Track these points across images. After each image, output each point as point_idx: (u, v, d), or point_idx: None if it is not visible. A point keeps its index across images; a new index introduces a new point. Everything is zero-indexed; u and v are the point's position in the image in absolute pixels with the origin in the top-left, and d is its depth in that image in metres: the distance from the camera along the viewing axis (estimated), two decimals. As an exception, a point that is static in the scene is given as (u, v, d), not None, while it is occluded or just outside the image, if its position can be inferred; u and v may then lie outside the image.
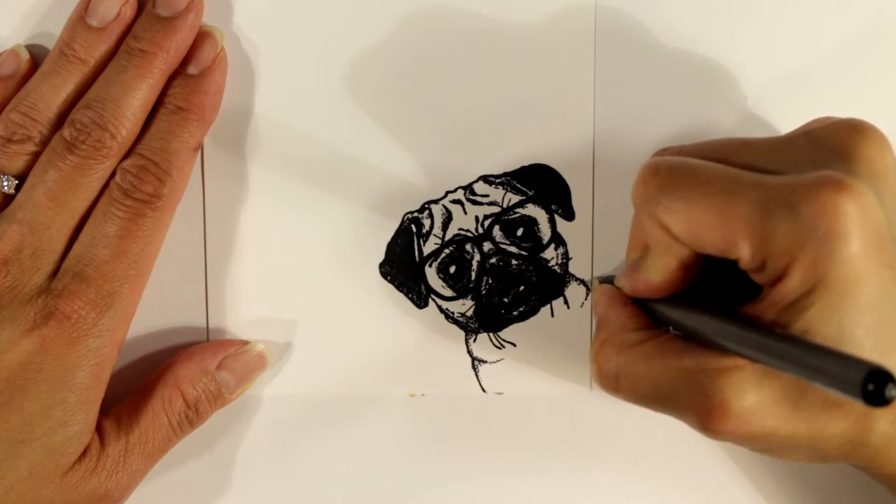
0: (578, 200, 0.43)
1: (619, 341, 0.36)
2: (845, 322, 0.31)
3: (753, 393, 0.32)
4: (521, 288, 0.43)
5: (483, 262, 0.43)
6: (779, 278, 0.32)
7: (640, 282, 0.36)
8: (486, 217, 0.43)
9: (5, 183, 0.39)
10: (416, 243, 0.43)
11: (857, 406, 0.32)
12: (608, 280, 0.40)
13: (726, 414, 0.32)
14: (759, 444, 0.34)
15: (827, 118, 0.36)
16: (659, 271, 0.35)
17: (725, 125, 0.42)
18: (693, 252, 0.34)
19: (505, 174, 0.42)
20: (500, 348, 0.43)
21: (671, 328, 0.36)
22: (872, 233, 0.31)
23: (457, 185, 0.43)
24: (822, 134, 0.34)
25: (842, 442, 0.33)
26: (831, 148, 0.34)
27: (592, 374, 0.37)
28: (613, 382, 0.36)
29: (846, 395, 0.27)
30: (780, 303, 0.32)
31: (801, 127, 0.37)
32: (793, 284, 0.31)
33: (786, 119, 0.42)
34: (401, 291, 0.43)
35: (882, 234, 0.32)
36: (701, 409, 0.33)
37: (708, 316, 0.34)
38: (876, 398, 0.27)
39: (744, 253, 0.32)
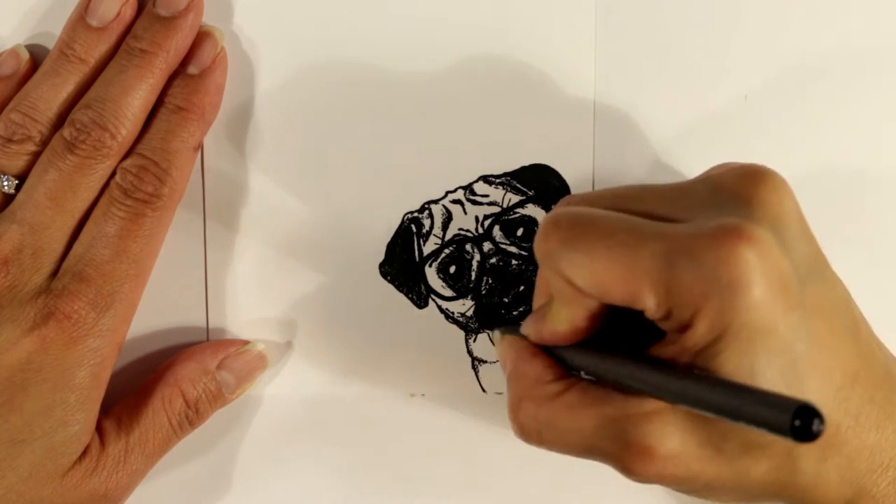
0: (578, 200, 0.43)
1: (537, 395, 0.35)
2: (756, 366, 0.31)
3: (677, 436, 0.32)
4: (521, 288, 0.43)
5: (483, 262, 0.43)
6: (686, 327, 0.32)
7: (546, 331, 0.36)
8: (486, 217, 0.43)
9: (5, 183, 0.39)
10: (416, 243, 0.43)
11: (780, 447, 0.32)
12: (510, 329, 0.39)
13: (651, 458, 0.32)
14: (685, 485, 0.34)
15: (726, 164, 0.37)
16: (565, 321, 0.35)
17: (726, 124, 0.42)
18: (598, 302, 0.34)
19: (505, 174, 0.42)
20: (500, 348, 0.43)
21: (583, 374, 0.36)
22: (776, 277, 0.31)
23: (457, 185, 0.43)
24: (720, 180, 0.35)
25: (767, 482, 0.33)
26: (730, 193, 0.34)
27: (514, 430, 0.36)
28: (537, 437, 0.35)
29: (773, 433, 0.27)
30: (690, 350, 0.32)
31: (702, 174, 0.37)
32: (699, 333, 0.31)
33: (785, 118, 0.42)
34: (401, 291, 0.43)
35: (786, 276, 0.32)
36: (625, 455, 0.33)
37: (622, 361, 0.33)
38: (803, 434, 0.27)
39: (649, 304, 0.32)
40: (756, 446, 0.32)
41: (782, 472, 0.33)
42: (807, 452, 0.33)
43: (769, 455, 0.32)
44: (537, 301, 0.38)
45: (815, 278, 0.33)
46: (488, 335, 0.43)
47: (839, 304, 0.34)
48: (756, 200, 0.33)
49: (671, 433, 0.32)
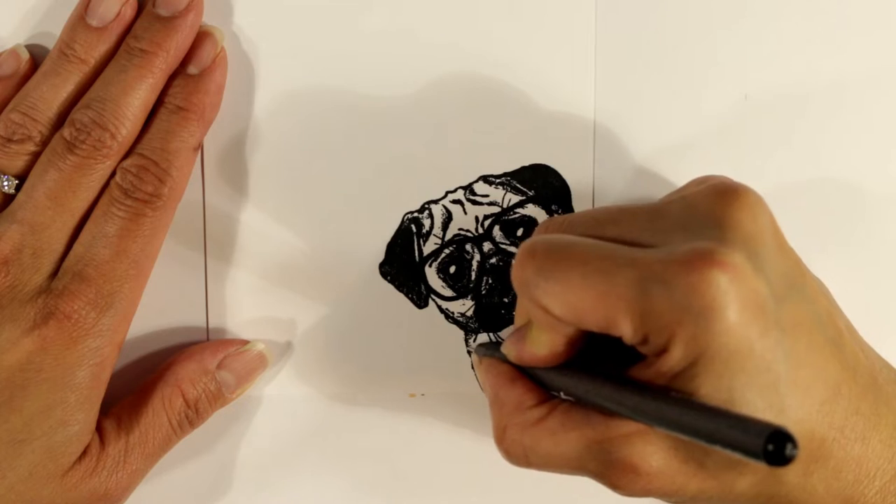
0: (578, 200, 0.43)
1: (521, 422, 0.35)
2: (735, 387, 0.31)
3: (660, 454, 0.33)
4: (521, 288, 0.43)
5: (483, 263, 0.43)
6: (662, 351, 0.32)
7: (526, 353, 0.36)
8: (486, 217, 0.43)
9: (5, 183, 0.39)
10: (416, 243, 0.43)
11: None
12: (490, 349, 0.39)
13: (637, 474, 0.33)
14: (673, 498, 0.34)
15: (704, 178, 0.37)
16: (544, 345, 0.35)
17: (726, 124, 0.42)
18: (576, 328, 0.34)
19: (505, 174, 0.43)
20: (500, 348, 0.43)
21: (562, 394, 0.36)
22: (750, 300, 0.31)
23: (457, 185, 0.43)
24: (693, 200, 0.35)
25: (753, 495, 0.33)
26: (702, 214, 0.34)
27: (501, 455, 0.36)
28: (524, 461, 0.36)
29: (747, 457, 0.28)
30: (668, 373, 0.32)
31: (679, 190, 0.37)
32: (676, 357, 0.32)
33: (784, 121, 0.42)
34: (401, 291, 0.43)
35: (761, 298, 0.32)
36: (611, 474, 0.33)
37: (600, 383, 0.34)
38: (776, 458, 0.27)
39: (625, 330, 0.32)
40: (739, 462, 0.32)
41: (766, 485, 0.33)
42: (791, 467, 0.33)
43: (752, 470, 0.33)
44: (518, 321, 0.38)
45: (793, 295, 0.33)
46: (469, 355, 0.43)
47: (820, 318, 0.34)
48: (728, 222, 0.33)
49: (653, 452, 0.33)
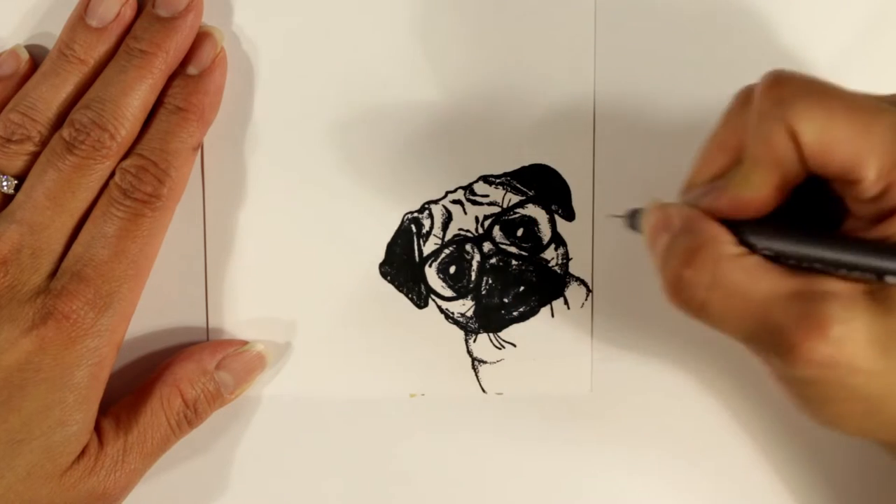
0: (578, 200, 0.42)
1: (713, 253, 0.33)
2: None
3: (857, 322, 0.31)
4: (521, 288, 0.43)
5: (483, 263, 0.43)
6: (891, 213, 0.31)
7: (726, 199, 0.33)
8: (486, 217, 0.43)
9: (4, 183, 0.39)
10: (416, 243, 0.43)
11: None
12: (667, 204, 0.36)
13: (824, 336, 0.31)
14: (832, 385, 0.32)
15: None
16: (755, 187, 0.33)
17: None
18: (800, 169, 0.33)
19: (505, 174, 0.42)
20: (500, 348, 0.43)
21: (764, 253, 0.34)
22: None
23: (457, 185, 0.43)
24: None
25: None
26: None
27: (669, 287, 0.33)
28: (700, 294, 0.33)
29: None
30: (894, 237, 0.31)
31: None
32: None
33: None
34: (401, 291, 0.43)
35: None
36: (798, 330, 0.31)
37: (814, 237, 0.32)
38: None
39: (869, 174, 0.31)
40: None
41: None
42: None
43: None
44: (699, 177, 0.35)
45: None
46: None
47: None
48: None
49: (851, 319, 0.31)
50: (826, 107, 0.32)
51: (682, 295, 0.33)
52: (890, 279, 0.31)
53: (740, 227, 0.33)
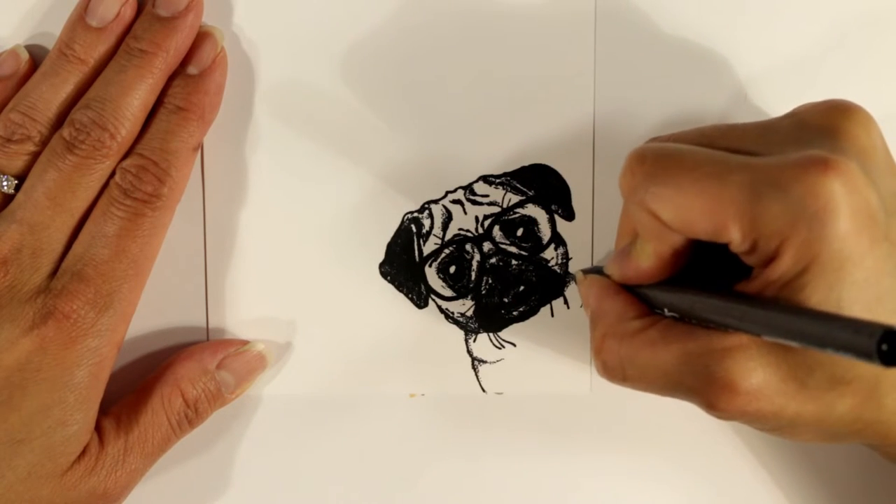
0: (578, 200, 0.43)
1: (620, 332, 0.35)
2: (843, 299, 0.31)
3: (760, 371, 0.32)
4: (521, 288, 0.43)
5: (483, 262, 0.43)
6: (771, 259, 0.32)
7: (630, 268, 0.36)
8: (486, 217, 0.43)
9: (5, 183, 0.39)
10: (416, 243, 0.43)
11: (865, 383, 0.32)
12: (593, 271, 0.39)
13: (735, 393, 0.32)
14: (768, 422, 0.33)
15: (810, 102, 0.36)
16: (649, 257, 0.35)
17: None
18: (683, 237, 0.34)
19: (505, 174, 0.42)
20: (500, 348, 0.43)
21: (666, 311, 0.36)
22: (863, 208, 0.31)
23: (457, 185, 0.43)
24: (806, 115, 0.35)
25: (851, 419, 0.33)
26: (816, 127, 0.34)
27: (597, 367, 0.36)
28: (620, 373, 0.35)
29: (860, 359, 0.27)
30: (776, 283, 0.32)
31: (786, 113, 0.37)
32: (786, 265, 0.31)
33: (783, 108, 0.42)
34: (401, 291, 0.43)
35: (873, 208, 0.31)
36: (709, 391, 0.33)
37: (706, 296, 0.33)
38: (891, 358, 0.26)
39: (734, 236, 0.32)
40: (841, 382, 0.32)
41: (867, 409, 0.33)
42: (893, 390, 0.32)
43: (854, 391, 0.32)
44: (620, 242, 0.38)
45: None
46: (572, 277, 0.43)
47: None
48: (843, 133, 0.33)
49: (754, 368, 0.32)
50: (676, 185, 0.33)
51: (607, 374, 0.36)
52: (766, 337, 0.32)
53: (648, 292, 0.36)
